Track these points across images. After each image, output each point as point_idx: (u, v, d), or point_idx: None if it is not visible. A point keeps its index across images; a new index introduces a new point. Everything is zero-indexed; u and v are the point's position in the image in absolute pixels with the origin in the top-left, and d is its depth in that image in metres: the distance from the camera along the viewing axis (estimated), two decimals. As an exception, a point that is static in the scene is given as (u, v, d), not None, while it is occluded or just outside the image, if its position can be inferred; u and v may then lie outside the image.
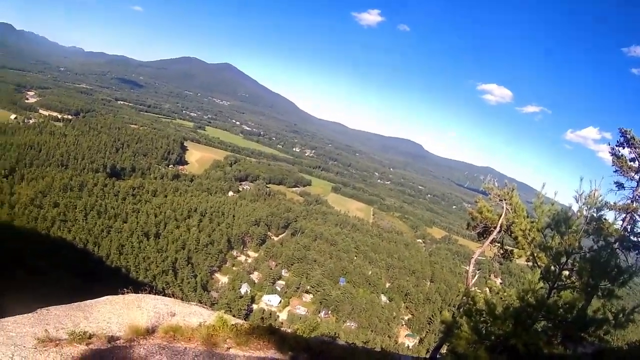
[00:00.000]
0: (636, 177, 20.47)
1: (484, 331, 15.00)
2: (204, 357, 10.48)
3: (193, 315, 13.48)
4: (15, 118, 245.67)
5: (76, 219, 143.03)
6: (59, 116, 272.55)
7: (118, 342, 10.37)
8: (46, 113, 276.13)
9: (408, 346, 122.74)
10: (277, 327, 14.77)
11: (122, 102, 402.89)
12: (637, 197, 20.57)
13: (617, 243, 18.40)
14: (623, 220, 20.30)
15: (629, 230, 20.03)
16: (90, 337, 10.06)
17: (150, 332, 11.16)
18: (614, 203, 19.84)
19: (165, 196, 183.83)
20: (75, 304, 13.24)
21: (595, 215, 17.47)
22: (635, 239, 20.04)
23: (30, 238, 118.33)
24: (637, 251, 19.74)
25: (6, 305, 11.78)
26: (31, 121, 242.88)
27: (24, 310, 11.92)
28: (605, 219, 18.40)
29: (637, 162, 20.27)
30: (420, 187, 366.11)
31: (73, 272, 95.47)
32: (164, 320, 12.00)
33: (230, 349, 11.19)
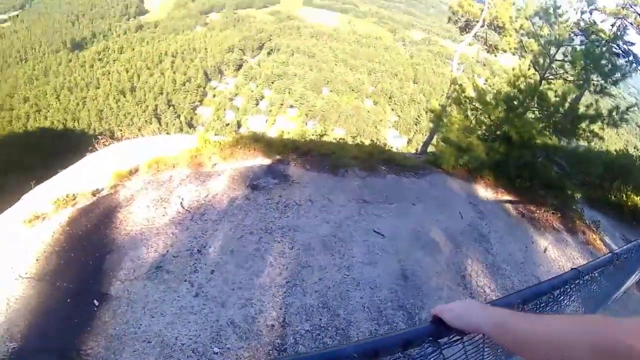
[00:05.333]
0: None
1: (474, 119, 14.82)
2: (190, 179, 10.45)
3: (176, 144, 13.21)
4: None
5: (49, 104, 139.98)
6: (5, 17, 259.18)
7: (102, 192, 10.20)
8: None
9: (397, 147, 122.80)
10: (261, 134, 14.49)
11: None
12: (627, 4, 19.78)
13: (606, 47, 17.84)
14: (612, 25, 19.74)
15: (618, 36, 19.44)
16: (74, 197, 9.89)
17: (133, 172, 11.01)
18: (604, 6, 19.13)
19: (133, 49, 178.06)
20: (58, 175, 13.09)
21: (586, 8, 16.87)
22: (624, 46, 19.55)
23: (11, 142, 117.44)
24: (626, 58, 19.28)
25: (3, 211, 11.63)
26: None
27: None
28: (594, 21, 17.84)
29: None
30: None
31: (60, 153, 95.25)
32: (146, 158, 11.76)
33: (216, 165, 11.16)
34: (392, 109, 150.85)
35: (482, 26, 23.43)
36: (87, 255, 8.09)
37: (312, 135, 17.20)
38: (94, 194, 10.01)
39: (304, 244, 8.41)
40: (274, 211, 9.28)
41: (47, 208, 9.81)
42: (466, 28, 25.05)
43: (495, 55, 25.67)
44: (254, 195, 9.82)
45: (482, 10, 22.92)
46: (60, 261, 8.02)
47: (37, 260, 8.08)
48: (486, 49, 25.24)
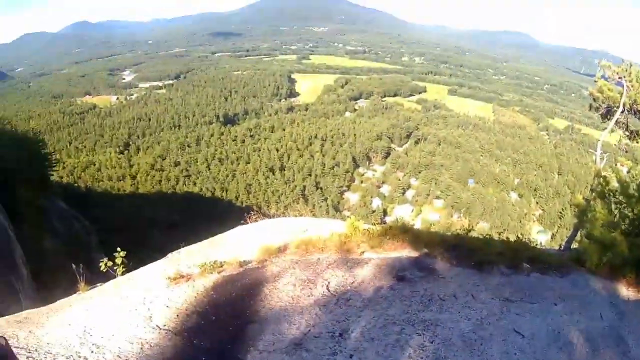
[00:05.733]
0: None
1: (618, 213, 14.37)
2: (337, 264, 10.68)
3: (325, 227, 13.59)
4: (117, 99, 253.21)
5: (199, 172, 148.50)
6: (160, 84, 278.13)
7: (250, 265, 10.82)
8: (146, 85, 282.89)
9: (541, 242, 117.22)
10: (409, 225, 14.56)
11: (219, 54, 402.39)
12: None
13: None
14: None
15: None
16: (221, 265, 10.54)
17: (282, 250, 11.51)
18: None
19: (283, 129, 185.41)
20: (206, 240, 13.95)
21: None
22: None
23: (158, 199, 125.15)
24: None
25: (145, 262, 12.52)
26: (133, 97, 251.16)
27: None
28: None
29: None
30: (536, 78, 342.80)
31: (205, 219, 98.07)
32: (295, 238, 12.23)
33: (364, 253, 11.31)
34: (537, 202, 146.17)
35: (623, 112, 22.71)
36: (229, 320, 8.57)
37: (459, 229, 17.21)
38: (241, 265, 10.67)
39: (445, 338, 8.41)
40: (418, 304, 9.33)
41: (193, 270, 10.56)
42: (607, 115, 24.32)
43: (638, 142, 24.72)
44: (399, 286, 9.96)
45: (621, 95, 22.29)
46: (200, 321, 8.55)
47: (177, 315, 8.69)
48: (628, 135, 24.37)
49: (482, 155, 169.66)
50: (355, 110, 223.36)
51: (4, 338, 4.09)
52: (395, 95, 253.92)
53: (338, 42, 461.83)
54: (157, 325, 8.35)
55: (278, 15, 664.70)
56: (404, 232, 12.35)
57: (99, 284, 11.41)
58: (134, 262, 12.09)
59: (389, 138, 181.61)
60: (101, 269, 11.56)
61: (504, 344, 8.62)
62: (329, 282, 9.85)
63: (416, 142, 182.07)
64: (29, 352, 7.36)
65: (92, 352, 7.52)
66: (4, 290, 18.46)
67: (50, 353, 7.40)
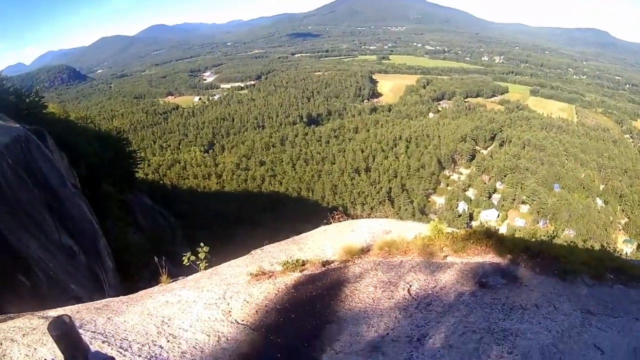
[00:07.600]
0: None
1: None
2: (420, 268, 10.51)
3: (408, 230, 13.46)
4: (200, 99, 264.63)
5: (285, 172, 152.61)
6: (242, 85, 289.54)
7: (332, 264, 10.83)
8: (228, 86, 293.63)
9: (626, 252, 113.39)
10: (493, 230, 14.27)
11: (299, 55, 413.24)
12: None
13: None
14: None
15: None
16: (303, 264, 10.62)
17: (364, 251, 11.48)
18: None
19: (368, 130, 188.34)
20: (289, 239, 14.20)
21: None
22: None
23: (243, 198, 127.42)
24: None
25: (228, 258, 12.73)
26: (216, 97, 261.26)
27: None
28: None
29: None
30: (617, 77, 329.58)
31: (291, 218, 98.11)
32: (378, 239, 12.16)
33: (447, 257, 11.15)
34: (623, 210, 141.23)
35: None
36: (308, 319, 8.58)
37: (543, 236, 16.77)
38: (323, 264, 10.71)
39: (523, 350, 8.09)
40: (499, 312, 9.07)
41: (275, 268, 10.72)
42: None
43: None
44: (481, 292, 9.74)
45: None
46: (279, 318, 8.60)
47: (256, 311, 8.77)
48: None
49: (566, 159, 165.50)
50: (438, 111, 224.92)
51: (68, 316, 4.23)
52: (477, 95, 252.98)
53: (417, 42, 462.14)
54: (235, 320, 8.47)
55: (354, 16, 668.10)
56: (488, 237, 12.08)
57: (181, 277, 11.84)
58: (217, 258, 12.48)
59: (474, 140, 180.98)
60: (184, 262, 11.97)
61: (583, 359, 8.28)
62: (410, 286, 9.72)
63: (501, 145, 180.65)
64: (106, 337, 7.61)
65: (169, 341, 7.70)
66: (89, 279, 19.19)
67: (127, 340, 7.63)
